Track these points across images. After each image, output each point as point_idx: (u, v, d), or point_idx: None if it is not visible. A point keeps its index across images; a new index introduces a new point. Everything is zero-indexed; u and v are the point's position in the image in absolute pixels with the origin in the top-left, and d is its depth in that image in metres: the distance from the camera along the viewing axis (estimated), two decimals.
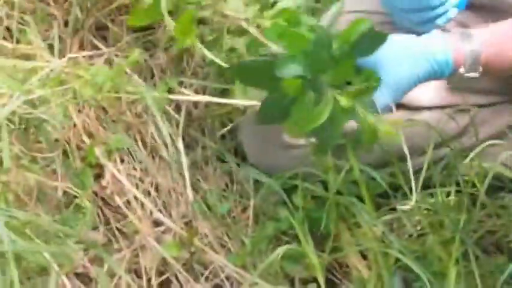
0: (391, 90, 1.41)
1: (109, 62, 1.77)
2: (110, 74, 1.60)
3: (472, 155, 1.59)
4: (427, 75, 1.45)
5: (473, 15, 1.73)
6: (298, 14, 1.41)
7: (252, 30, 1.44)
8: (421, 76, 1.44)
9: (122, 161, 1.66)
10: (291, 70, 1.30)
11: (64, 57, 1.70)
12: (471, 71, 1.47)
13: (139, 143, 1.70)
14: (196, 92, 1.71)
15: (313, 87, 1.32)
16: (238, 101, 1.62)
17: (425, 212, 1.61)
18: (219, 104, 1.71)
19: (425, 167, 1.57)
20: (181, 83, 1.72)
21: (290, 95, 1.31)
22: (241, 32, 1.49)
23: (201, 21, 1.54)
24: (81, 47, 1.80)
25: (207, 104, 1.75)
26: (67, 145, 1.63)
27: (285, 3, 1.48)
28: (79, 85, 1.58)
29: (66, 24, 1.81)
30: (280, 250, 1.53)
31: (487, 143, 1.62)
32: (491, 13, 1.70)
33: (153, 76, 1.78)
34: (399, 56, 1.42)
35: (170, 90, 1.68)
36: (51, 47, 1.76)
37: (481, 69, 1.47)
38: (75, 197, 1.58)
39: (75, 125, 1.65)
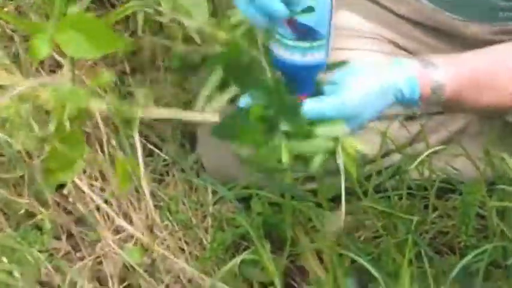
0: (354, 124, 1.37)
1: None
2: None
3: (419, 159, 1.63)
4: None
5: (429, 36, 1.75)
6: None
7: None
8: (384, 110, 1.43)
9: (84, 171, 1.70)
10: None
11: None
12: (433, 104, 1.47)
13: (99, 153, 1.73)
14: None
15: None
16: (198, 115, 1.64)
17: (379, 215, 1.66)
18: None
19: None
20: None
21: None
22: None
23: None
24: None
25: None
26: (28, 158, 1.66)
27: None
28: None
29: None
30: (239, 256, 1.57)
31: (435, 148, 1.65)
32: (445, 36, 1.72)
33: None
34: (370, 95, 1.39)
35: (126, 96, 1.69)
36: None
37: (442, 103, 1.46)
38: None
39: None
